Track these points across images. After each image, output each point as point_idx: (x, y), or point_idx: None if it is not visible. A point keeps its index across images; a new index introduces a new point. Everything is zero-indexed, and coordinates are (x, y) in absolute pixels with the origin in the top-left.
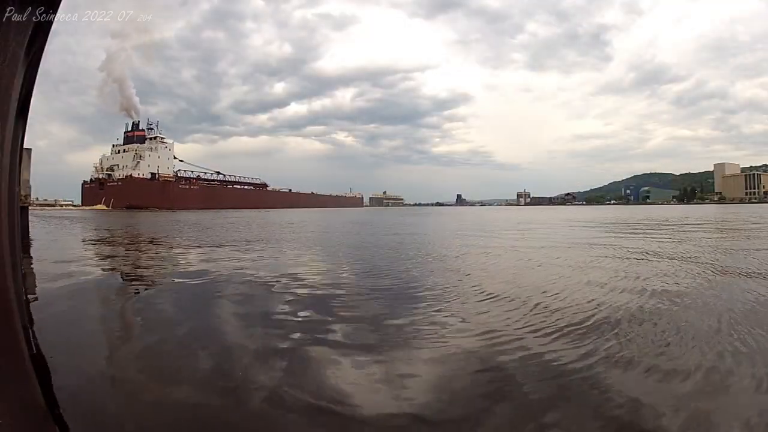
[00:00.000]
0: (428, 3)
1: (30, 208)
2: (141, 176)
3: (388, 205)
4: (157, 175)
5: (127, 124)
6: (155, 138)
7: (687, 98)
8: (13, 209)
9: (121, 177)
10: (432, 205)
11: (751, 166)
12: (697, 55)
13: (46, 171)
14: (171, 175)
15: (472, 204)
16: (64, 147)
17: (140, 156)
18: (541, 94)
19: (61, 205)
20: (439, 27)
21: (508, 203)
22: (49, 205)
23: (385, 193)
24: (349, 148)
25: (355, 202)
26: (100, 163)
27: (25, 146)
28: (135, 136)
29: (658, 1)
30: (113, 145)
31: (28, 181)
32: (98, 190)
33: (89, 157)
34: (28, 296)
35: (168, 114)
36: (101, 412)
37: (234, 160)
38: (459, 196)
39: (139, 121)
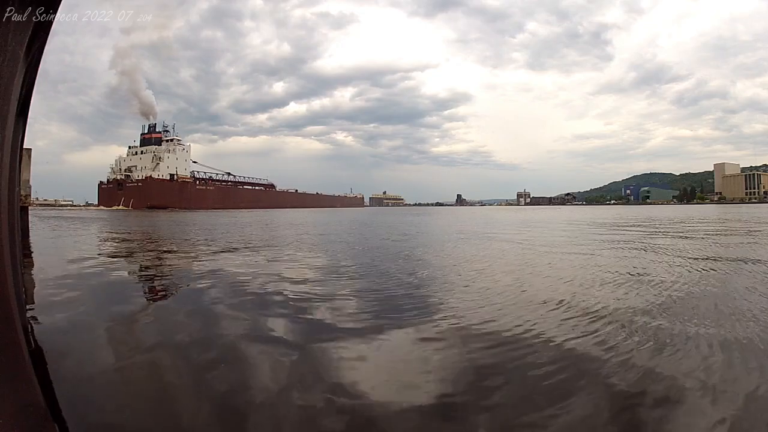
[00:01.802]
0: (427, 2)
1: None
2: (161, 177)
3: (388, 205)
4: (175, 176)
5: (143, 126)
6: (172, 140)
7: (687, 98)
8: (13, 209)
9: (140, 178)
10: (432, 205)
11: (751, 166)
12: (698, 55)
13: (45, 171)
14: (188, 177)
15: (472, 204)
16: (63, 147)
17: (159, 158)
18: (541, 94)
19: (61, 205)
20: (438, 26)
21: (508, 203)
22: (49, 205)
23: (385, 193)
24: (349, 147)
25: (357, 202)
26: (117, 165)
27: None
28: (152, 138)
29: (659, 0)
30: (129, 147)
31: (29, 181)
32: (116, 190)
33: (89, 157)
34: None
35: (167, 114)
36: (101, 412)
37: (234, 159)
38: (459, 196)
39: (155, 124)
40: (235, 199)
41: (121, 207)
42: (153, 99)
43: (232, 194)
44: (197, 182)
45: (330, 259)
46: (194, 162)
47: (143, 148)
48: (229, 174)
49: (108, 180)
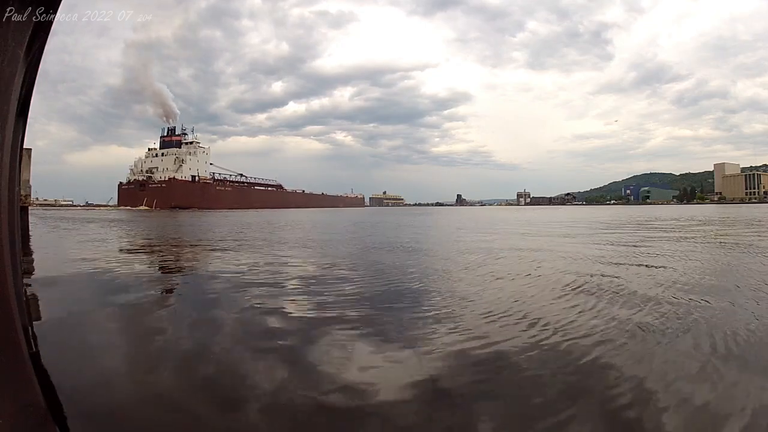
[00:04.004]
0: (426, 0)
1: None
2: (183, 179)
3: (388, 205)
4: (197, 178)
5: (163, 129)
6: (192, 143)
7: (688, 98)
8: (13, 209)
9: (163, 179)
10: (432, 205)
11: (751, 166)
12: (698, 54)
13: (45, 171)
14: (209, 178)
15: (472, 204)
16: (63, 147)
17: (182, 160)
18: (541, 94)
19: (61, 205)
20: (438, 25)
21: (508, 203)
22: (49, 205)
23: (385, 193)
24: (349, 147)
25: (358, 202)
26: (136, 166)
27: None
28: (173, 140)
29: (659, 0)
30: (149, 149)
31: (29, 181)
32: (138, 191)
33: (89, 157)
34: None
35: (153, 113)
36: (101, 412)
37: (234, 159)
38: (459, 196)
39: (175, 127)
40: (249, 199)
41: (144, 207)
42: (168, 93)
43: (248, 195)
44: (217, 183)
45: None
46: (211, 164)
47: (164, 150)
48: (241, 175)
49: (128, 180)
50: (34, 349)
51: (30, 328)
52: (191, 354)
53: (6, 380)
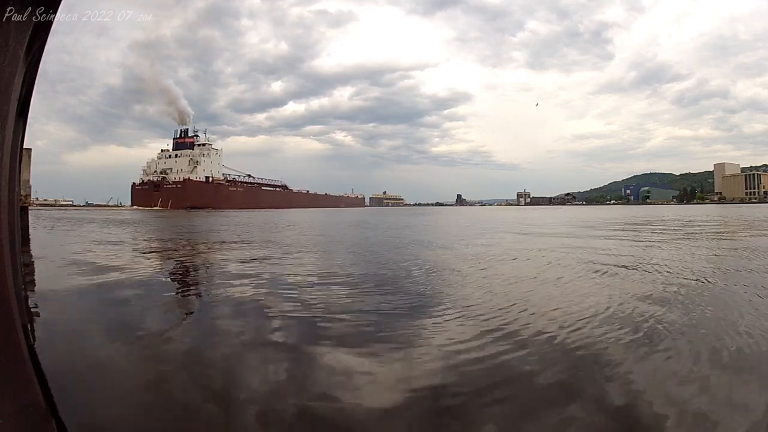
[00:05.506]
0: (426, 0)
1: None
2: (197, 179)
3: (388, 205)
4: (211, 179)
5: (175, 131)
6: (204, 144)
7: (688, 97)
8: (13, 209)
9: (178, 180)
10: (432, 205)
11: (751, 166)
12: (698, 54)
13: (45, 171)
14: (221, 179)
15: (472, 204)
16: (62, 147)
17: (196, 161)
18: (541, 94)
19: (62, 205)
20: (438, 25)
21: (508, 203)
22: (49, 205)
23: (385, 193)
24: (349, 147)
25: (358, 202)
26: (149, 167)
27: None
28: (186, 142)
29: None
30: (162, 150)
31: (29, 181)
32: (152, 191)
33: (89, 157)
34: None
35: (166, 114)
36: (101, 412)
37: (234, 160)
38: (459, 196)
39: (187, 129)
40: (257, 199)
41: (158, 207)
42: (178, 91)
43: (255, 195)
44: (230, 184)
45: None
46: (222, 165)
47: (177, 152)
48: (249, 176)
49: (142, 181)
50: (34, 349)
51: (30, 327)
52: (191, 355)
53: (6, 380)
